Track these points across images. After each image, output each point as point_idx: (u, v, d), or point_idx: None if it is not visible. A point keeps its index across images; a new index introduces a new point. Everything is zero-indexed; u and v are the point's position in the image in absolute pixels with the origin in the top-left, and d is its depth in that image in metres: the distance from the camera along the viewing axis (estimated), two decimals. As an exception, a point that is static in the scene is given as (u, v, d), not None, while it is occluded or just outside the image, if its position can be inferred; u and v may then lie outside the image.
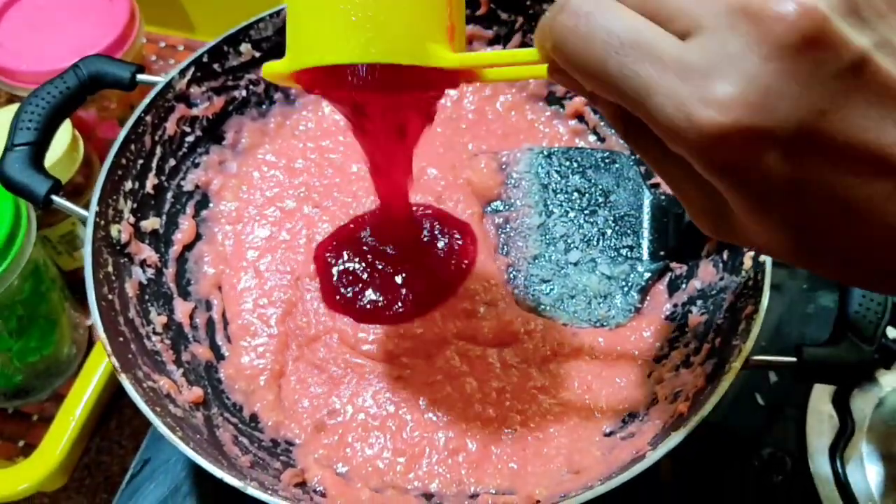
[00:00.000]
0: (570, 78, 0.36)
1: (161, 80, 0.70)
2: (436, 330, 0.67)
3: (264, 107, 0.78)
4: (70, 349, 0.88)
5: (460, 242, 0.70)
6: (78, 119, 0.87)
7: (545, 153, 0.77)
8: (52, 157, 0.76)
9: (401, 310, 0.68)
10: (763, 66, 0.30)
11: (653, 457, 0.54)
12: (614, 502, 0.53)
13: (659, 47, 0.32)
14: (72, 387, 0.82)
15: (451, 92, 0.81)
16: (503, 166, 0.76)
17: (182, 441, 0.54)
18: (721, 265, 0.67)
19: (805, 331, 0.81)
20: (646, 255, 0.72)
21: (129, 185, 0.68)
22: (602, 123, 0.79)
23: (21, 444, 0.86)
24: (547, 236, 0.73)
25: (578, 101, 0.79)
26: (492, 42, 0.80)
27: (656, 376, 0.65)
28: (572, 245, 0.73)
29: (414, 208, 0.72)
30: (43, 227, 0.82)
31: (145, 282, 0.67)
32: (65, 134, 0.80)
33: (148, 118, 0.69)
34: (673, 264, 0.71)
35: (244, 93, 0.76)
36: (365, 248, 0.71)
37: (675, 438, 0.54)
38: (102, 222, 0.64)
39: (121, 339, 0.60)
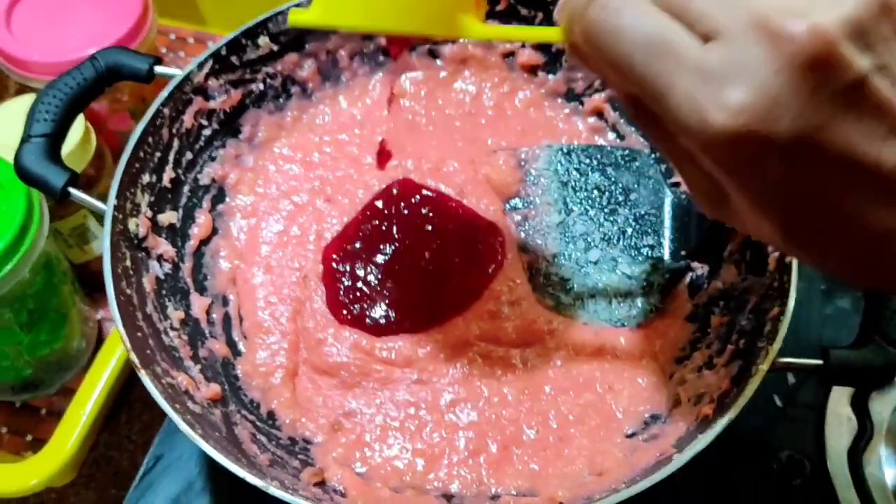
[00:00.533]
0: (586, 60, 0.40)
1: (179, 72, 0.69)
2: (457, 333, 0.66)
3: (281, 100, 0.77)
4: (80, 343, 0.87)
5: (489, 246, 0.69)
6: (90, 111, 0.86)
7: (564, 150, 0.76)
8: (65, 149, 0.74)
9: (418, 321, 0.67)
10: (773, 79, 0.33)
11: (679, 460, 0.53)
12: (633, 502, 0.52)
13: (682, 48, 0.35)
14: (82, 381, 0.81)
15: (471, 87, 0.80)
16: (522, 163, 0.75)
17: (203, 439, 0.53)
18: (744, 266, 0.66)
19: (823, 332, 0.81)
20: (667, 255, 0.71)
21: (146, 178, 0.67)
22: (622, 121, 0.78)
23: (29, 438, 0.86)
24: (566, 235, 0.73)
25: (598, 99, 0.79)
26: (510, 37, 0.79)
27: (678, 377, 0.65)
28: (592, 244, 0.72)
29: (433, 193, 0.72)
30: (54, 220, 0.81)
31: (162, 276, 0.66)
32: (77, 126, 0.79)
33: (166, 111, 0.68)
34: (694, 264, 0.70)
35: (261, 86, 0.75)
36: (377, 251, 0.70)
37: (703, 441, 0.53)
38: (120, 216, 0.63)
39: (139, 334, 0.59)
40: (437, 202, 0.72)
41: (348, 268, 0.69)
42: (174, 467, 0.73)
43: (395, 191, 0.72)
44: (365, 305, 0.67)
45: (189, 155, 0.71)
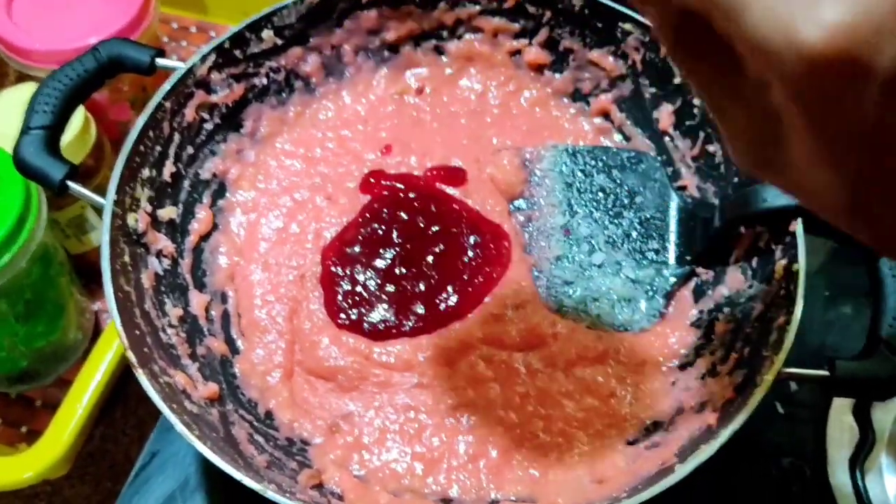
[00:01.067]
0: None
1: (181, 65, 0.68)
2: (460, 337, 0.65)
3: (284, 95, 0.76)
4: (76, 334, 0.86)
5: (494, 251, 0.69)
6: (90, 101, 0.84)
7: (570, 151, 0.75)
8: (64, 139, 0.74)
9: (419, 326, 0.66)
10: (879, 2, 0.28)
11: (682, 470, 0.53)
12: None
13: None
14: (78, 373, 0.81)
15: (476, 86, 0.79)
16: (527, 163, 0.75)
17: (200, 440, 0.53)
18: (750, 272, 0.65)
19: (826, 339, 0.80)
20: (672, 260, 0.70)
21: (146, 172, 0.66)
22: (628, 122, 0.77)
23: (24, 429, 0.85)
24: (571, 237, 0.72)
25: (604, 99, 0.78)
26: (517, 35, 0.78)
27: (681, 384, 0.64)
28: (596, 247, 0.71)
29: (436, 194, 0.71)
30: (52, 211, 0.80)
31: (161, 273, 0.66)
32: (77, 116, 0.79)
33: (167, 104, 0.67)
34: (699, 270, 0.70)
35: (264, 80, 0.75)
36: (376, 255, 0.69)
37: (706, 452, 0.53)
38: (120, 211, 0.62)
39: (137, 331, 0.59)
40: (440, 204, 0.71)
41: (347, 272, 0.68)
42: (170, 464, 0.72)
43: (400, 192, 0.71)
44: (363, 310, 0.67)
45: (190, 149, 0.71)
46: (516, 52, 0.79)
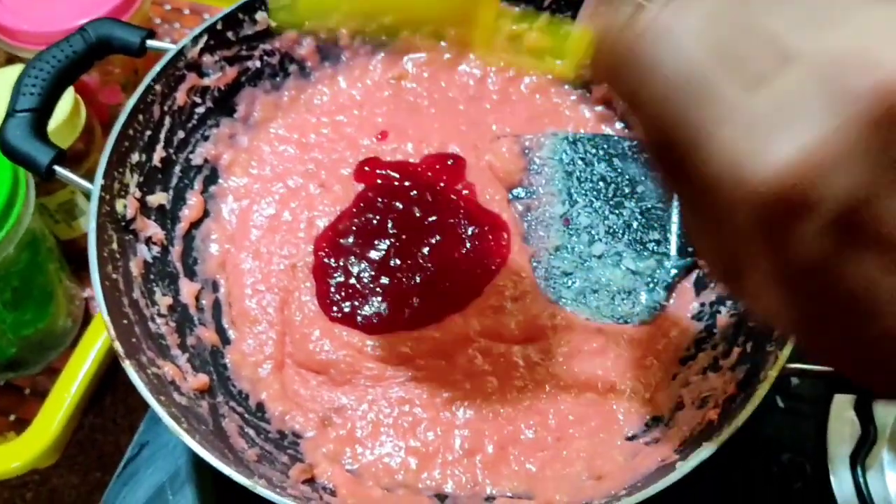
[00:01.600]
0: (612, 80, 0.35)
1: (172, 47, 0.67)
2: (457, 330, 0.64)
3: (278, 79, 0.75)
4: (66, 322, 0.85)
5: (493, 242, 0.67)
6: (80, 83, 0.83)
7: (570, 139, 0.73)
8: (53, 122, 0.72)
9: (414, 319, 0.64)
10: (832, 135, 0.28)
11: (683, 469, 0.52)
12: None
13: (726, 92, 0.31)
14: (67, 361, 0.79)
15: (475, 71, 0.78)
16: (526, 151, 0.73)
17: (188, 434, 0.52)
18: (753, 265, 0.64)
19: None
20: (673, 251, 0.69)
21: (135, 157, 0.64)
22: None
23: (12, 418, 0.84)
24: (570, 227, 0.70)
25: (606, 87, 0.76)
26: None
27: (682, 379, 0.63)
28: (596, 237, 0.70)
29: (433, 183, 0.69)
30: (41, 196, 0.79)
31: (150, 260, 0.64)
32: (67, 99, 0.77)
33: (158, 87, 0.66)
34: (701, 261, 0.68)
35: (258, 64, 0.73)
36: (370, 247, 0.67)
37: (707, 449, 0.52)
38: (108, 196, 0.61)
39: (125, 321, 0.57)
40: (437, 193, 0.69)
41: (341, 263, 0.66)
42: (159, 455, 0.71)
43: (395, 181, 0.70)
44: (357, 303, 0.65)
45: (181, 134, 0.69)
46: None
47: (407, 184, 0.70)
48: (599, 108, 0.77)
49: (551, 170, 0.73)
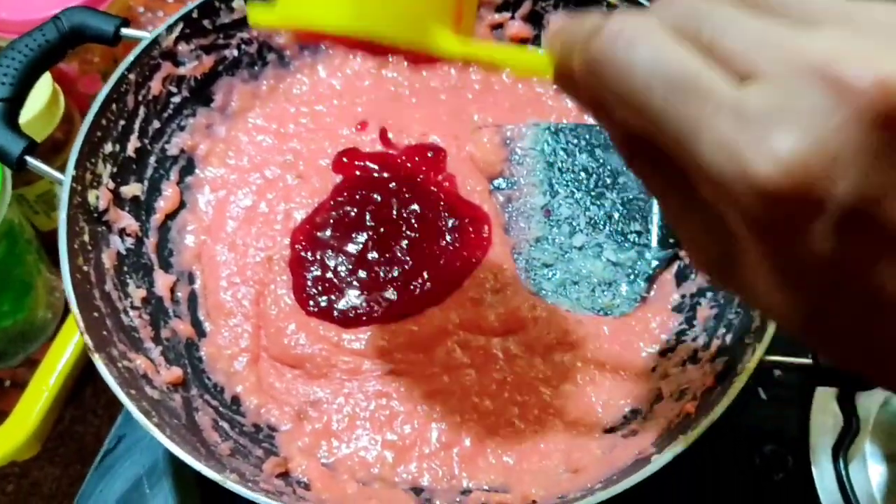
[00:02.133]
0: (578, 91, 0.34)
1: (147, 35, 0.66)
2: (435, 323, 0.63)
3: (256, 68, 0.74)
4: (45, 313, 0.84)
5: (474, 235, 0.66)
6: (58, 72, 0.82)
7: (552, 129, 0.73)
8: (30, 111, 0.72)
9: (392, 312, 0.64)
10: (834, 133, 0.27)
11: (658, 462, 0.51)
12: (608, 498, 0.51)
13: (713, 87, 0.29)
14: (46, 353, 0.79)
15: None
16: (507, 141, 0.72)
17: (157, 428, 0.51)
18: (734, 256, 0.63)
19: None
20: (654, 242, 0.68)
21: (108, 147, 0.64)
22: (613, 100, 0.75)
23: (-8, 410, 0.83)
24: (551, 218, 0.70)
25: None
26: (500, 8, 0.76)
27: (661, 371, 0.62)
28: (577, 228, 0.69)
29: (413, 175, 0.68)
30: (19, 186, 0.78)
31: (124, 252, 0.63)
32: (45, 88, 0.76)
33: (132, 76, 0.65)
34: (682, 253, 0.68)
35: (235, 52, 0.72)
36: (348, 240, 0.67)
37: (683, 443, 0.51)
38: (79, 187, 0.60)
39: (95, 314, 0.57)
40: (416, 186, 0.69)
41: (317, 257, 0.66)
42: (136, 448, 0.70)
43: (374, 173, 0.69)
44: (333, 297, 0.64)
45: (156, 124, 0.68)
46: (498, 26, 0.76)
47: (386, 175, 0.70)
48: (582, 98, 0.76)
49: (533, 160, 0.72)
